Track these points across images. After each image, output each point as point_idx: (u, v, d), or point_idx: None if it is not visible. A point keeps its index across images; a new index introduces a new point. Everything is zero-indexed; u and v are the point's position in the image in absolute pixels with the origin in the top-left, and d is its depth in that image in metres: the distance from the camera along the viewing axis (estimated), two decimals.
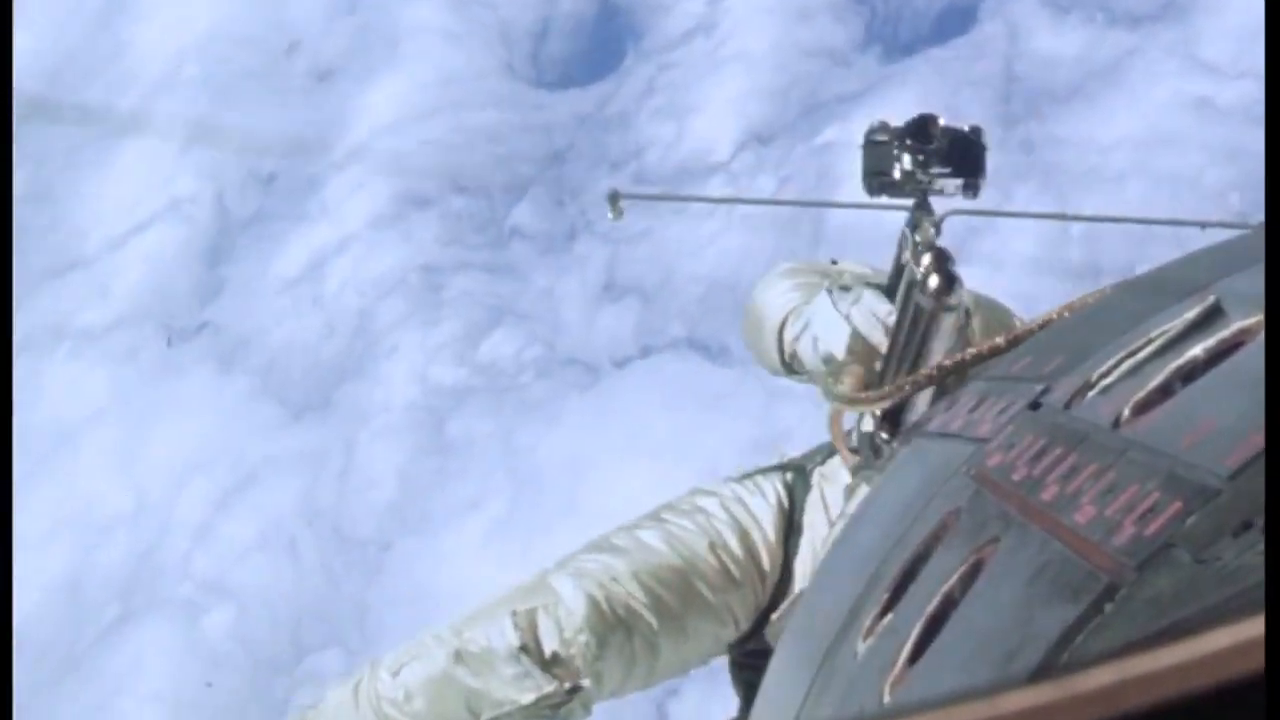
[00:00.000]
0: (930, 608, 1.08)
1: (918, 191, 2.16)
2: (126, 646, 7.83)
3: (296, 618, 7.75)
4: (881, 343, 2.10)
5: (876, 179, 2.21)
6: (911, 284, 1.98)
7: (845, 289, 2.20)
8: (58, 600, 8.05)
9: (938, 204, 2.21)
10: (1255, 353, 1.05)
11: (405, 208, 8.63)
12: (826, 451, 2.48)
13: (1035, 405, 1.26)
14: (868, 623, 1.19)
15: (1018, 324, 2.55)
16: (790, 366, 2.30)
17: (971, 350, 1.77)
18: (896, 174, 2.17)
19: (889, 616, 1.17)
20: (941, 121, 2.19)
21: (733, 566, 2.37)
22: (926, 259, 1.96)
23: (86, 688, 7.77)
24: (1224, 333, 1.10)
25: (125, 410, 8.46)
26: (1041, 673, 0.85)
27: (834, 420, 2.25)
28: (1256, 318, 1.08)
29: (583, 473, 7.71)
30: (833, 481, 2.42)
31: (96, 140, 9.22)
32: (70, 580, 8.08)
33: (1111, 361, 1.20)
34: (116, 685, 7.74)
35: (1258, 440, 0.87)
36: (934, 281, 1.93)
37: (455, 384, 8.14)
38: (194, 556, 8.02)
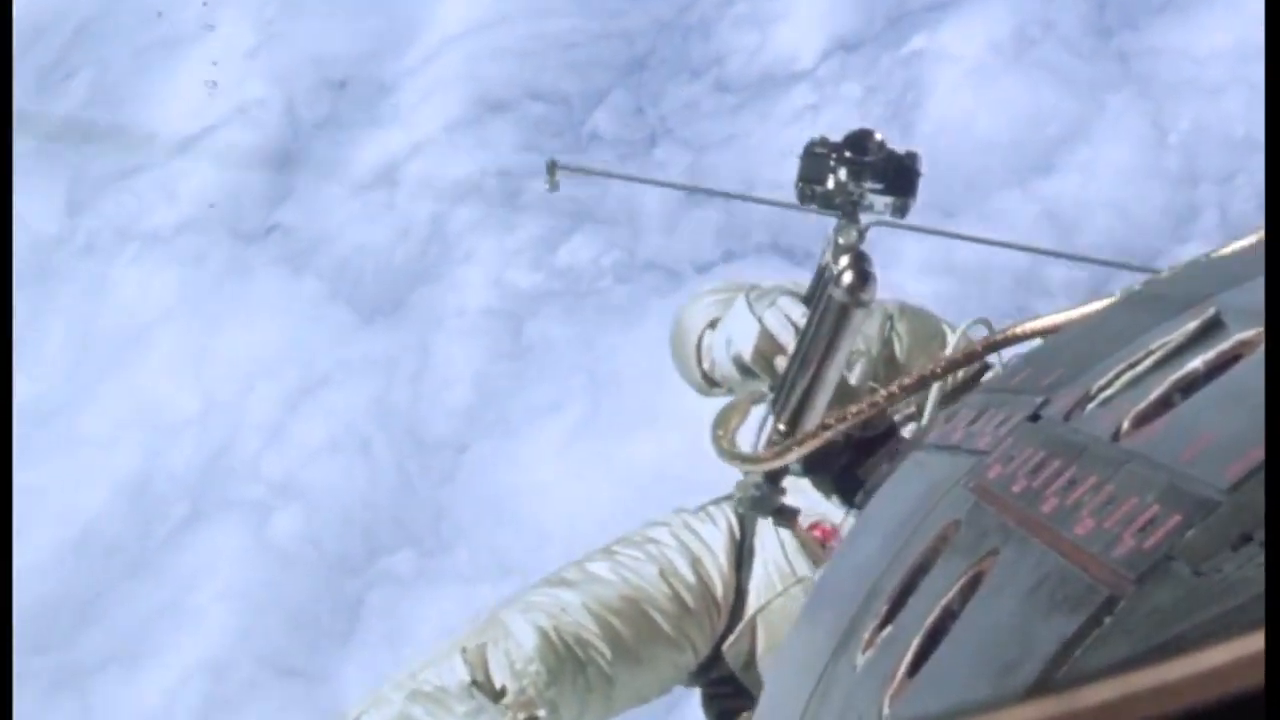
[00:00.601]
0: (930, 620, 1.08)
1: (848, 204, 2.19)
2: (196, 546, 7.77)
3: (369, 519, 7.67)
4: (789, 343, 2.12)
5: (809, 187, 2.24)
6: (827, 281, 2.00)
7: (764, 295, 2.23)
8: (126, 500, 7.99)
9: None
10: (1255, 365, 1.05)
11: (481, 113, 8.53)
12: (776, 478, 2.48)
13: (1035, 417, 1.26)
14: (867, 635, 1.20)
15: (946, 330, 2.64)
16: (709, 378, 2.33)
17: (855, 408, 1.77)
18: (830, 184, 2.21)
19: (888, 629, 1.18)
20: (879, 137, 2.23)
21: (685, 593, 2.39)
22: (845, 259, 1.97)
23: (156, 586, 7.71)
24: (1223, 345, 1.10)
25: (193, 313, 8.39)
26: (1040, 685, 0.87)
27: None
28: (1256, 330, 1.08)
29: (665, 377, 7.60)
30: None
31: (164, 44, 9.16)
32: (139, 481, 8.02)
33: (1111, 374, 1.20)
34: (186, 584, 7.67)
35: (1257, 453, 0.87)
36: (848, 277, 1.94)
37: (532, 289, 8.05)
38: (264, 458, 7.95)
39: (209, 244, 8.60)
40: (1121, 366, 1.20)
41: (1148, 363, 1.17)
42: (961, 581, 1.09)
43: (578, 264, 8.01)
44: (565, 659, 2.28)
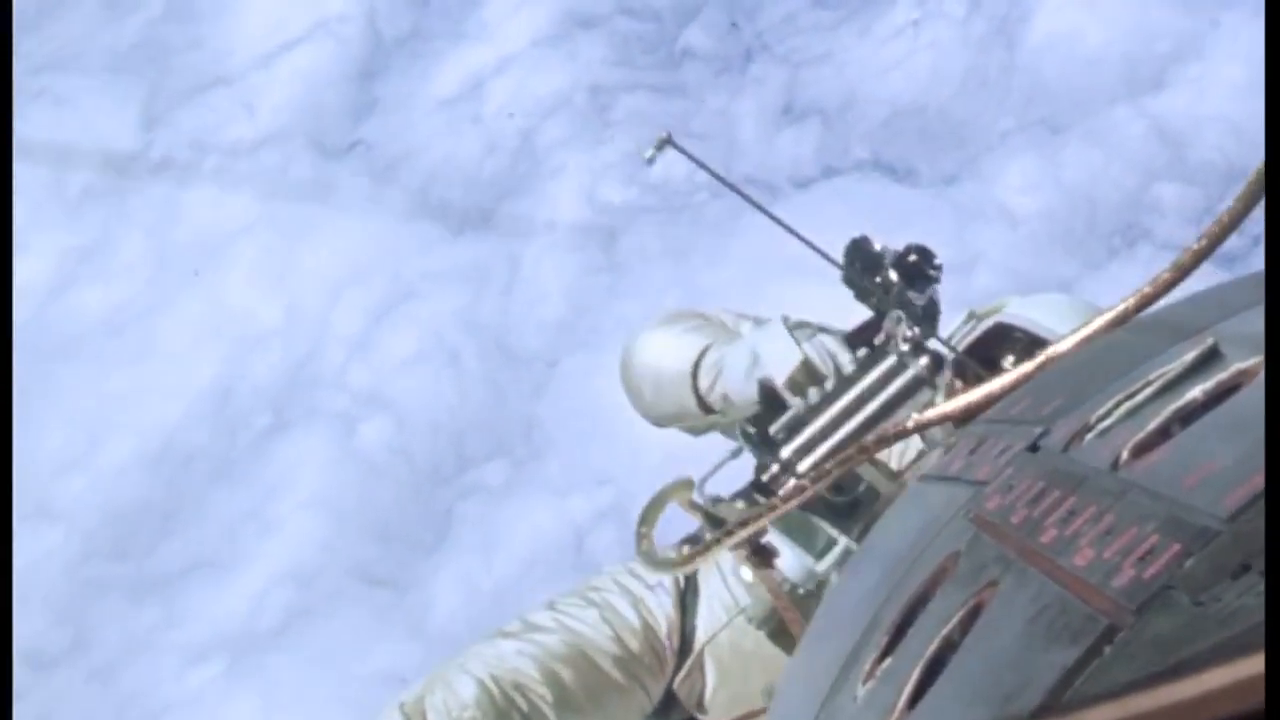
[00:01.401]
0: (930, 651, 1.09)
1: (884, 299, 2.19)
2: (280, 456, 7.71)
3: (459, 430, 7.61)
4: (829, 379, 2.07)
5: (856, 275, 2.23)
6: (903, 350, 1.99)
7: (801, 325, 2.22)
8: (207, 410, 7.94)
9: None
10: (1253, 395, 1.06)
11: (570, 29, 8.47)
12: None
13: (1034, 448, 1.27)
14: (867, 666, 1.21)
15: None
16: (704, 401, 2.26)
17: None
18: (878, 278, 2.20)
19: (889, 660, 1.19)
20: (938, 262, 2.24)
21: (629, 636, 2.41)
22: (933, 342, 2.00)
23: (239, 495, 7.65)
24: (1222, 375, 1.11)
25: (274, 226, 8.33)
26: (1040, 715, 0.88)
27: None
28: (1254, 360, 1.09)
29: (762, 290, 7.53)
30: None
31: None
32: (220, 390, 7.96)
33: (1110, 404, 1.21)
34: (271, 493, 7.62)
35: (1256, 482, 0.88)
36: (925, 360, 1.96)
37: (625, 203, 7.98)
38: (349, 369, 7.89)
39: (290, 159, 8.54)
40: (1120, 397, 1.20)
41: (1146, 393, 1.18)
42: (961, 612, 1.10)
43: (672, 179, 7.94)
44: (505, 708, 2.30)
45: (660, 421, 2.57)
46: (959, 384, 2.30)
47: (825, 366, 2.13)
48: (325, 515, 7.47)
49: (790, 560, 2.17)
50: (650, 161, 2.46)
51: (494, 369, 7.68)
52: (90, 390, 8.05)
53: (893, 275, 2.22)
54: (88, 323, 8.32)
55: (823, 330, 2.22)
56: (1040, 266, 7.30)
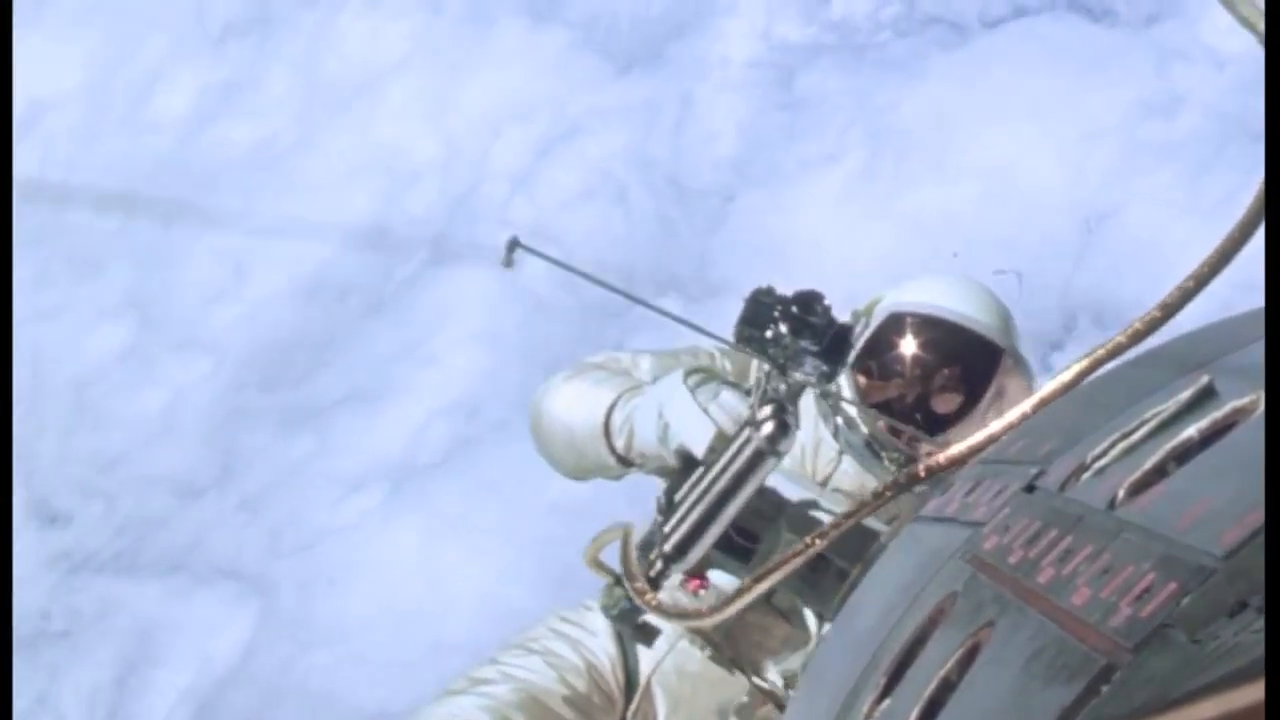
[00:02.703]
0: (928, 691, 1.11)
1: (780, 356, 2.27)
2: (439, 290, 7.56)
3: (628, 265, 7.42)
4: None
5: (747, 331, 2.35)
6: (748, 421, 2.02)
7: (703, 384, 2.25)
8: (361, 244, 7.80)
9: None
10: (1248, 433, 1.07)
11: None
12: None
13: (1030, 488, 1.29)
14: (866, 707, 1.23)
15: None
16: (624, 458, 2.31)
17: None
18: (769, 334, 2.30)
19: (887, 701, 1.21)
20: (826, 302, 2.31)
21: (574, 678, 2.50)
22: (769, 407, 2.00)
23: (396, 328, 7.51)
24: (1217, 413, 1.12)
25: (432, 60, 8.17)
26: None
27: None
28: (1250, 398, 1.11)
29: (949, 130, 7.33)
30: None
31: None
32: (375, 224, 7.82)
33: (1106, 443, 1.22)
34: (429, 327, 7.47)
35: (1252, 520, 0.89)
36: (770, 426, 1.96)
37: (804, 42, 7.77)
38: (512, 204, 7.73)
39: None
40: (1116, 436, 1.22)
41: (1142, 432, 1.19)
42: (959, 653, 1.11)
43: (852, 16, 7.72)
44: None
45: (581, 476, 2.61)
46: (861, 379, 2.42)
47: (733, 429, 2.13)
48: (488, 349, 7.32)
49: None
50: (506, 265, 2.49)
51: (665, 205, 7.49)
52: (238, 223, 7.93)
53: (783, 328, 2.32)
54: (234, 157, 8.20)
55: (724, 385, 2.25)
56: (1249, 110, 7.04)
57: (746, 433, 2.03)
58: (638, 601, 1.99)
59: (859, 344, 2.54)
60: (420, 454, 7.15)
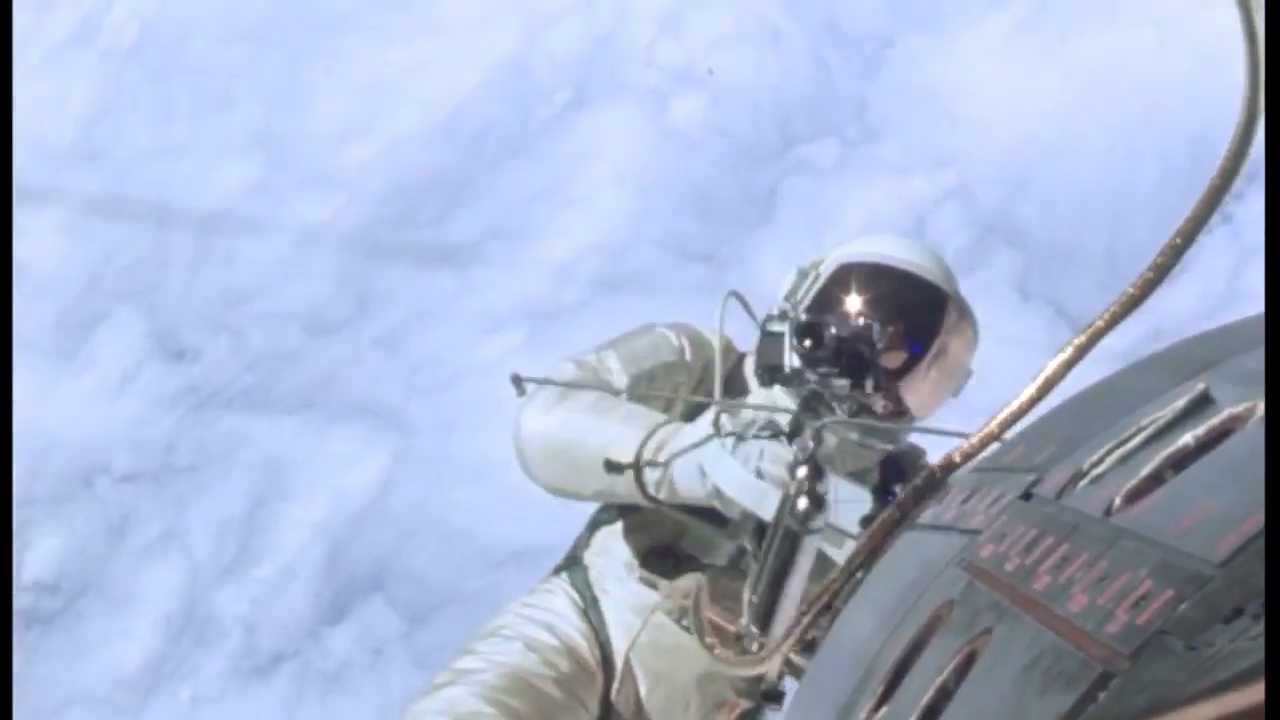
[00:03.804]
0: (925, 700, 1.12)
1: (804, 385, 2.30)
2: (582, 130, 7.42)
3: (783, 109, 7.26)
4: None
5: (769, 372, 2.38)
6: (785, 500, 2.02)
7: (741, 440, 2.17)
8: (501, 84, 7.66)
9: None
10: (1245, 440, 1.08)
11: None
12: (589, 529, 2.66)
13: (1027, 495, 1.31)
14: (863, 715, 1.25)
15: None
16: (652, 496, 2.26)
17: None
18: (786, 367, 2.35)
19: (885, 708, 1.23)
20: (832, 330, 2.32)
21: (555, 657, 2.51)
22: (802, 473, 1.98)
23: (538, 168, 7.37)
24: (1214, 420, 1.14)
25: None
26: None
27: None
28: (1246, 405, 1.12)
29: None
30: (607, 553, 2.58)
31: None
32: (515, 64, 7.67)
33: (1102, 451, 1.24)
34: (572, 167, 7.33)
35: (1248, 527, 0.91)
36: (802, 503, 1.95)
37: None
38: (659, 45, 7.57)
39: None
40: (1112, 444, 1.25)
41: (1138, 439, 1.22)
42: (956, 660, 1.13)
43: None
44: None
45: (567, 496, 2.53)
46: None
47: (782, 479, 2.10)
48: (635, 190, 7.17)
49: None
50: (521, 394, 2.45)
51: (821, 48, 7.32)
52: (373, 62, 7.79)
53: (795, 361, 2.36)
54: None
55: (766, 433, 2.17)
56: None
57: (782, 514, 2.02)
58: (710, 655, 1.97)
59: (808, 298, 2.51)
60: (564, 294, 7.02)
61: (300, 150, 7.70)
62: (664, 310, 7.14)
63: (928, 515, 1.56)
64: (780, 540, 2.00)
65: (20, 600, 7.10)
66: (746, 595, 2.09)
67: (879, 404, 2.42)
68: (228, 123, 7.88)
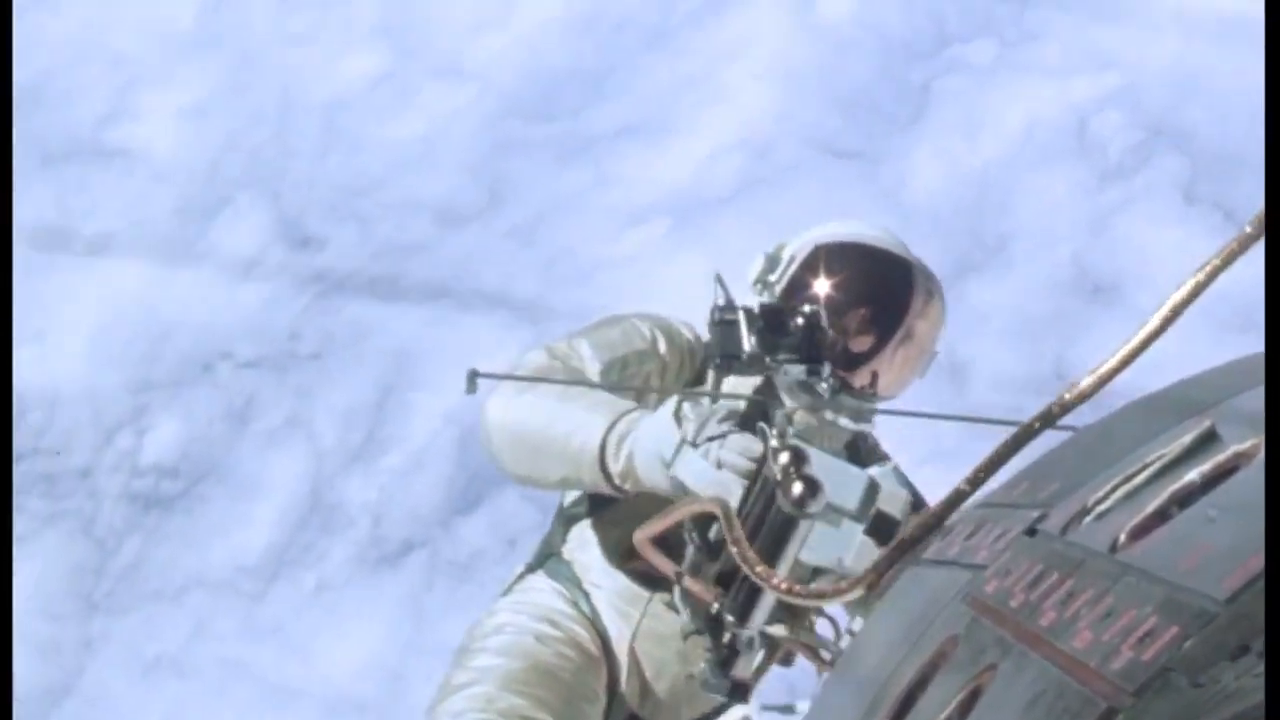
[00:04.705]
0: None
1: (763, 372, 2.28)
2: (727, 24, 7.29)
3: (938, 6, 7.15)
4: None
5: (727, 361, 2.33)
6: (769, 481, 1.89)
7: (704, 425, 2.09)
8: None
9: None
10: (1251, 476, 1.10)
11: None
12: (563, 525, 2.63)
13: (1032, 531, 1.32)
14: None
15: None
16: (616, 483, 2.20)
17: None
18: (745, 351, 2.31)
19: None
20: (800, 320, 2.32)
21: (565, 648, 2.49)
22: (784, 459, 1.83)
23: (678, 62, 7.26)
24: (1219, 457, 1.15)
25: None
26: None
27: None
28: (1252, 441, 1.14)
29: None
30: (588, 547, 2.56)
31: None
32: None
33: (1107, 487, 1.25)
34: (715, 61, 7.21)
35: (1254, 563, 0.92)
36: (796, 489, 1.80)
37: None
38: None
39: None
40: (1118, 480, 1.25)
41: (1144, 476, 1.23)
42: (960, 695, 1.14)
43: None
44: None
45: (533, 484, 2.51)
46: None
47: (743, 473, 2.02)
48: (781, 85, 7.06)
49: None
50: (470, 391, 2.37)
51: None
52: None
53: (753, 343, 2.34)
54: None
55: (728, 422, 2.07)
56: None
57: (768, 478, 1.89)
58: (766, 586, 1.76)
59: (783, 282, 2.54)
60: (706, 189, 6.91)
61: (430, 41, 7.59)
62: (811, 207, 7.04)
63: (931, 550, 1.56)
64: (773, 525, 1.90)
65: (139, 484, 7.03)
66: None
67: (857, 382, 2.44)
68: (353, 11, 7.77)
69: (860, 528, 1.86)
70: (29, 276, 7.68)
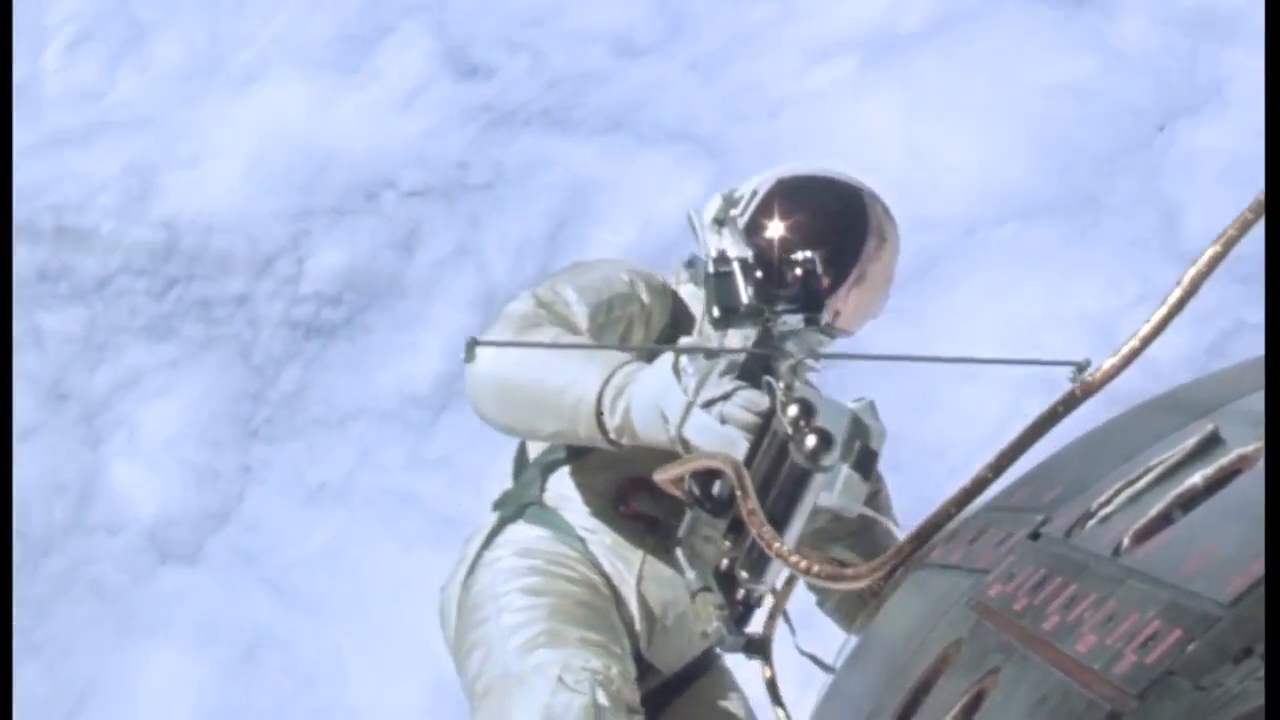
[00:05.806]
0: None
1: (761, 323, 2.22)
2: None
3: None
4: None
5: (726, 313, 2.26)
6: (779, 434, 1.83)
7: (705, 379, 2.02)
8: None
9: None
10: (1254, 480, 1.10)
11: None
12: (541, 473, 2.54)
13: (1035, 535, 1.33)
14: None
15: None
16: (612, 438, 2.15)
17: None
18: (743, 302, 2.24)
19: None
20: (796, 271, 2.31)
21: (586, 587, 2.43)
22: (793, 411, 1.77)
23: None
24: (1222, 460, 1.16)
25: None
26: None
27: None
28: (1254, 445, 1.14)
29: None
30: (578, 492, 2.49)
31: None
32: None
33: (1111, 491, 1.26)
34: None
35: (1257, 567, 0.92)
36: (811, 441, 1.73)
37: None
38: None
39: None
40: (1121, 484, 1.25)
41: (1147, 479, 1.23)
42: (964, 699, 1.15)
43: None
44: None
45: (521, 435, 2.51)
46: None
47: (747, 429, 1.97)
48: None
49: None
50: (469, 360, 2.26)
51: None
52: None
53: (750, 293, 2.26)
54: None
55: (732, 378, 2.03)
56: None
57: (777, 432, 1.84)
58: (786, 563, 1.71)
59: (745, 217, 2.51)
60: (901, 23, 6.72)
61: None
62: (1014, 44, 6.82)
63: (936, 554, 1.55)
64: (786, 481, 1.83)
65: (299, 311, 6.94)
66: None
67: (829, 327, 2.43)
68: None
69: (846, 464, 1.81)
70: (180, 105, 7.56)
